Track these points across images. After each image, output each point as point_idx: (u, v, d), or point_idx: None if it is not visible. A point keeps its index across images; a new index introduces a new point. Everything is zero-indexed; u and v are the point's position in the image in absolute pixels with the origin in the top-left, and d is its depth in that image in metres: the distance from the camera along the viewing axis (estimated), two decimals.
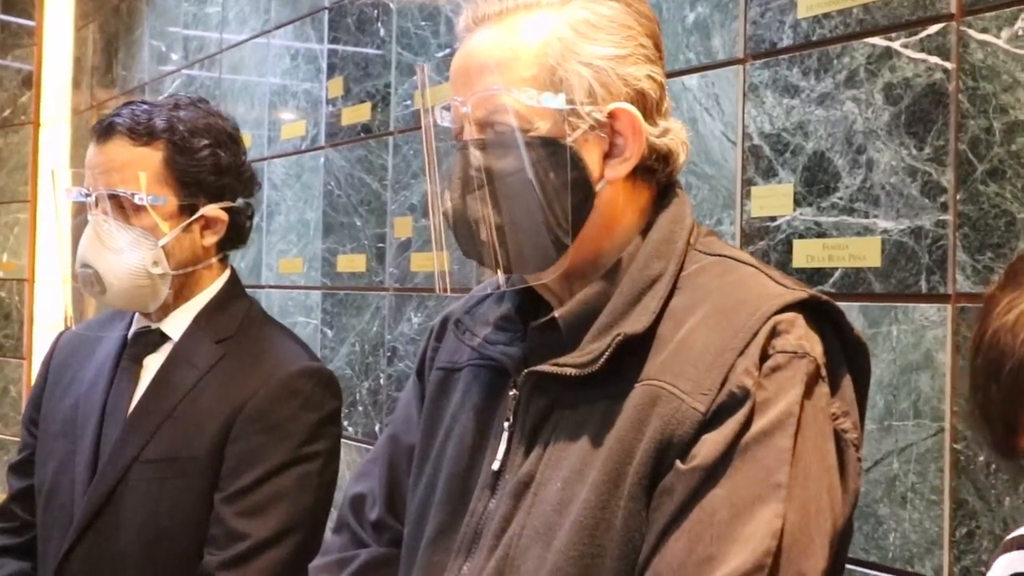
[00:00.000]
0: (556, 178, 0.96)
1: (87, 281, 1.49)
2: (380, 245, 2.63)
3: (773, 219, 1.61)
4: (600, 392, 0.96)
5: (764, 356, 0.91)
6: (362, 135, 2.73)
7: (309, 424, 1.49)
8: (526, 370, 1.00)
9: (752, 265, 1.00)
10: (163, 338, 1.55)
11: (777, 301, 0.94)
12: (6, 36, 5.39)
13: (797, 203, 1.58)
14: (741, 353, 0.91)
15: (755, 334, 0.92)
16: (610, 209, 1.01)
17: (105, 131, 1.50)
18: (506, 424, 1.02)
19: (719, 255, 1.01)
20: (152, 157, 1.49)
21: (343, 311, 2.78)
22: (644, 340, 0.96)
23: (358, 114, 2.75)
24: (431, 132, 1.03)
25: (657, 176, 1.03)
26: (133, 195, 1.47)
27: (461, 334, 1.09)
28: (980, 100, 1.35)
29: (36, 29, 5.22)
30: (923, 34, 1.43)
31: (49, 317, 5.00)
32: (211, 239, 1.54)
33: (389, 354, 2.57)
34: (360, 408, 2.67)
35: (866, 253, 1.48)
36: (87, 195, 1.49)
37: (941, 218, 1.39)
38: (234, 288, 1.60)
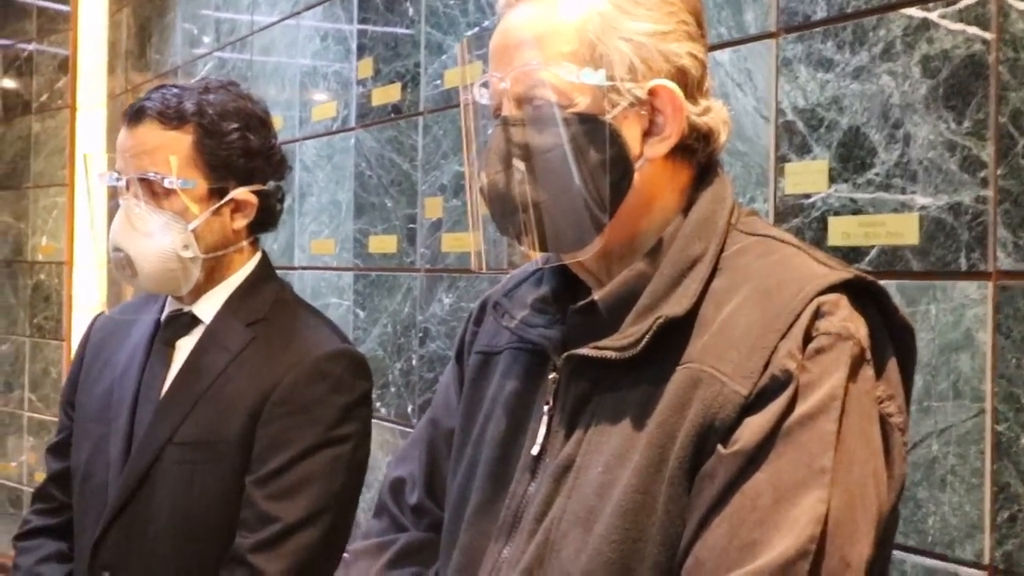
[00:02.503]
0: (595, 155, 0.95)
1: (119, 264, 1.51)
2: (411, 226, 2.63)
3: (807, 196, 1.59)
4: (641, 375, 0.95)
5: (808, 338, 0.89)
6: (392, 115, 2.73)
7: (339, 407, 1.49)
8: (566, 353, 0.99)
9: (794, 245, 0.99)
10: (195, 321, 1.56)
11: (821, 282, 0.92)
12: (43, 22, 5.44)
13: (832, 179, 1.55)
14: (784, 335, 0.89)
15: (798, 315, 0.90)
16: (649, 188, 0.99)
17: (135, 115, 1.51)
18: (546, 407, 1.01)
19: (761, 235, 1.00)
20: (182, 140, 1.50)
21: (375, 292, 2.78)
22: (685, 322, 0.94)
23: (388, 94, 2.75)
24: (470, 109, 1.02)
25: (697, 155, 1.02)
26: (163, 179, 1.48)
27: (500, 316, 1.09)
28: (1021, 71, 1.32)
29: (71, 15, 5.26)
30: (962, 4, 1.40)
31: (88, 300, 5.06)
32: (241, 222, 1.55)
33: (421, 335, 2.57)
34: (392, 389, 2.68)
35: (904, 230, 1.45)
36: (118, 179, 1.50)
37: (981, 193, 1.36)
38: (265, 271, 1.61)
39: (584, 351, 0.97)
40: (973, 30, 1.38)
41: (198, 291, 1.56)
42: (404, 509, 1.19)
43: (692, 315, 0.95)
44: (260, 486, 1.44)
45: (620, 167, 0.96)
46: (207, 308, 1.56)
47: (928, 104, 1.43)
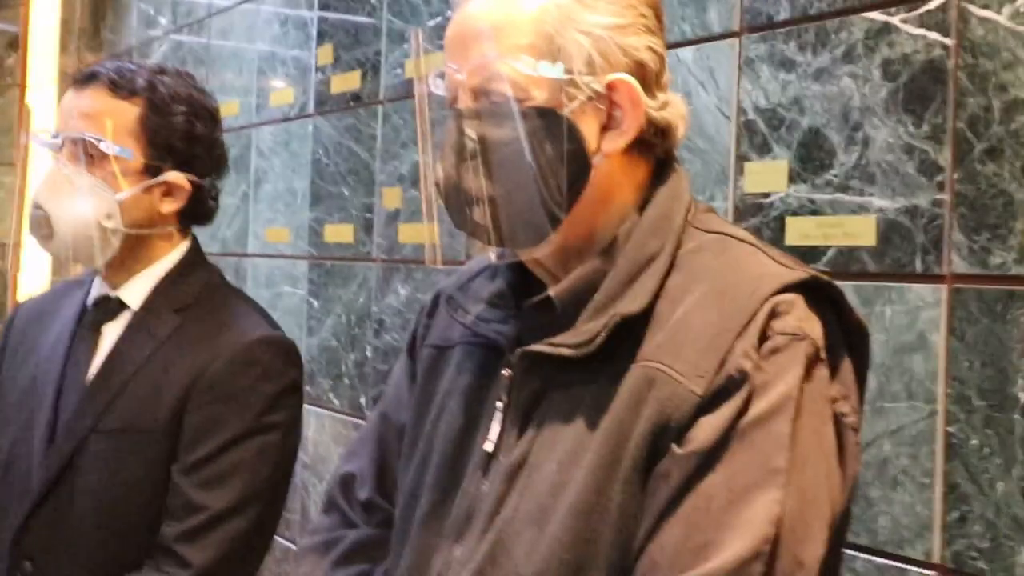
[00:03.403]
0: (552, 149, 0.94)
1: (36, 222, 1.47)
2: (368, 215, 2.60)
3: (766, 195, 1.59)
4: (595, 373, 0.94)
5: (763, 338, 0.89)
6: (351, 103, 2.69)
7: (268, 394, 1.47)
8: (520, 349, 0.98)
9: (751, 243, 0.98)
10: (122, 306, 1.53)
11: (776, 281, 0.92)
12: None
13: (791, 180, 1.56)
14: (739, 335, 0.89)
15: (754, 315, 0.90)
16: (606, 183, 0.98)
17: (87, 78, 1.49)
18: (500, 404, 1.00)
19: (718, 232, 0.99)
20: (128, 111, 1.48)
21: (330, 282, 2.75)
22: (640, 320, 0.94)
23: (347, 82, 2.71)
24: (424, 100, 1.00)
25: (655, 150, 1.01)
26: (100, 141, 1.45)
27: (453, 311, 1.07)
28: (979, 78, 1.33)
29: None
30: (923, 9, 1.41)
31: (35, 283, 4.96)
32: (170, 206, 1.52)
33: (376, 326, 2.55)
34: (346, 380, 2.65)
35: (861, 232, 1.46)
36: (55, 137, 1.48)
37: (937, 197, 1.37)
38: (195, 257, 1.58)
39: (539, 347, 0.96)
40: (934, 35, 1.39)
41: (125, 275, 1.53)
42: (354, 505, 1.17)
43: (647, 313, 0.94)
44: (187, 474, 1.42)
45: (577, 162, 0.95)
46: (134, 293, 1.53)
47: (888, 107, 1.44)
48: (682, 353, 0.91)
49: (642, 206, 1.00)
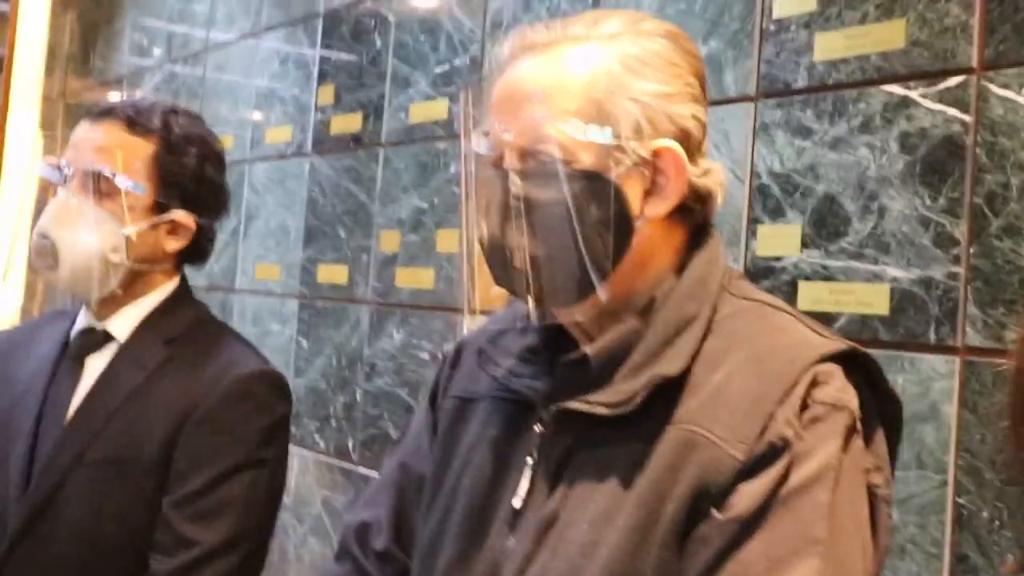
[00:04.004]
0: (597, 212, 0.95)
1: (41, 251, 1.46)
2: (364, 257, 2.59)
3: (778, 259, 1.61)
4: (629, 433, 0.94)
5: (803, 406, 0.90)
6: (351, 145, 2.70)
7: (261, 428, 1.46)
8: (554, 406, 0.97)
9: (788, 312, 0.99)
10: (107, 338, 1.52)
11: (817, 351, 0.92)
12: None
13: (804, 245, 1.57)
14: (781, 402, 0.89)
15: (795, 383, 0.90)
16: (647, 247, 0.99)
17: (103, 112, 1.50)
18: (529, 460, 0.99)
19: (754, 300, 1.00)
20: (143, 148, 1.49)
21: (321, 322, 2.73)
22: (677, 382, 0.94)
23: (348, 123, 2.72)
24: (471, 157, 1.01)
25: (694, 216, 1.02)
26: (114, 175, 1.45)
27: (485, 364, 1.06)
28: (998, 155, 1.36)
29: (11, 14, 5.12)
30: (942, 86, 1.44)
31: (6, 309, 4.88)
32: (174, 245, 1.53)
33: (367, 369, 2.53)
34: (333, 423, 2.62)
35: (874, 300, 1.47)
36: (64, 167, 1.48)
37: (953, 270, 1.39)
38: (183, 291, 1.58)
39: (575, 405, 0.96)
40: (952, 111, 1.42)
41: (113, 307, 1.51)
42: (369, 554, 1.15)
43: (684, 375, 0.95)
44: (178, 508, 1.40)
45: (622, 225, 0.96)
46: (121, 325, 1.51)
47: (904, 179, 1.46)
48: (721, 417, 0.91)
49: (679, 269, 1.01)
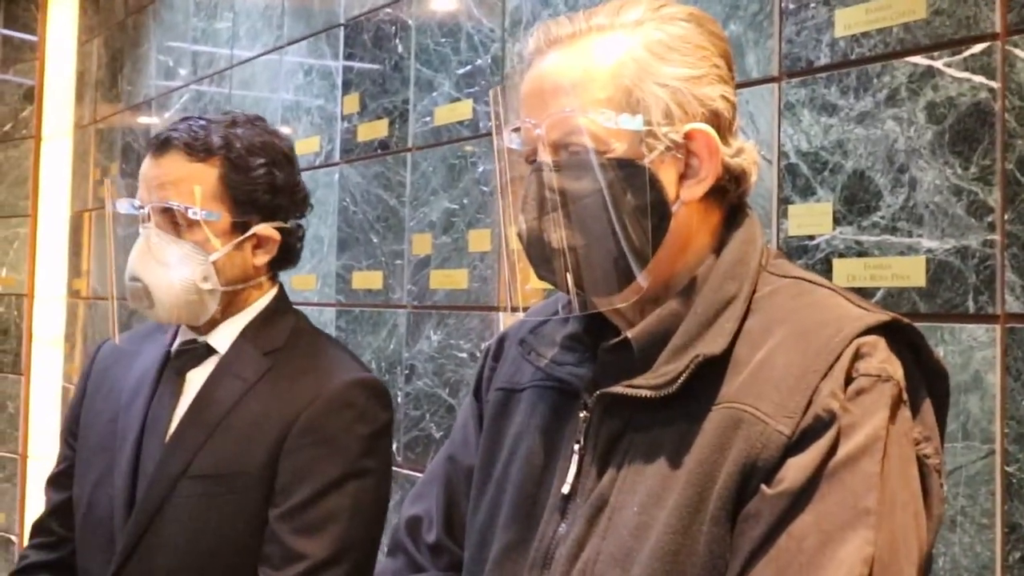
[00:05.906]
0: (634, 200, 0.96)
1: (136, 295, 1.48)
2: (398, 262, 2.62)
3: (812, 238, 1.61)
4: (675, 414, 0.95)
5: (848, 379, 0.90)
6: (379, 151, 2.72)
7: (363, 437, 1.46)
8: (599, 391, 0.98)
9: (828, 287, 1.00)
10: (208, 352, 1.53)
11: (859, 323, 0.93)
12: (8, 51, 5.37)
13: (836, 222, 1.57)
14: (825, 376, 0.90)
15: (839, 356, 0.90)
16: (684, 230, 1.00)
17: (162, 145, 1.49)
18: (576, 446, 1.00)
19: (794, 277, 1.01)
20: (208, 173, 1.48)
21: (359, 328, 2.76)
22: (720, 362, 0.95)
23: (375, 130, 2.74)
24: (504, 154, 1.02)
25: (729, 196, 1.03)
26: (187, 209, 1.45)
27: (527, 354, 1.08)
28: None
29: (39, 44, 5.20)
30: (967, 53, 1.43)
31: (48, 332, 4.96)
32: (262, 258, 1.53)
33: (407, 372, 2.55)
34: None
35: (910, 272, 1.47)
36: (140, 208, 1.48)
37: (988, 238, 1.39)
38: (282, 302, 1.59)
39: (618, 389, 0.97)
40: (979, 79, 1.41)
41: (213, 322, 1.53)
42: (421, 548, 1.17)
43: (727, 355, 0.95)
44: (285, 520, 1.40)
45: (659, 211, 0.97)
46: (222, 339, 1.53)
47: (934, 149, 1.46)
48: (766, 394, 0.91)
49: (717, 250, 1.01)
